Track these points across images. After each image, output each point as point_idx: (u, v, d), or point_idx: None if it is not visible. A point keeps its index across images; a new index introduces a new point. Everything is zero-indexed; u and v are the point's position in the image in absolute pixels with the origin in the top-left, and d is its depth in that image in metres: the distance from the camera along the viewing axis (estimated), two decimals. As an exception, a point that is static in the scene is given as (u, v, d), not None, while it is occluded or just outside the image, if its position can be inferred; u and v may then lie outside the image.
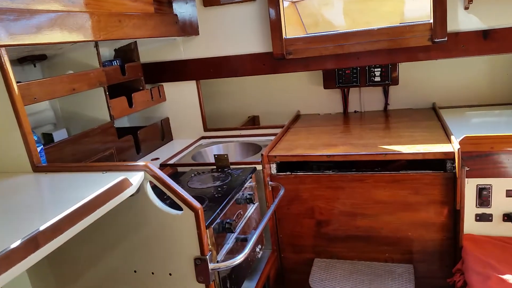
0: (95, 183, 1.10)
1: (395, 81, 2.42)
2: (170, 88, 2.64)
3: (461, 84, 2.43)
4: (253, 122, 2.88)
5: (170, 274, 1.27)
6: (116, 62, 2.29)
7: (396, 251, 1.91)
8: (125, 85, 2.36)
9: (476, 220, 1.70)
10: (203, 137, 2.63)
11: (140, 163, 1.19)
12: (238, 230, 1.67)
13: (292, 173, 1.96)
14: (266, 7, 2.32)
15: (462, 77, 2.43)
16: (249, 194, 1.79)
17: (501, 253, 1.60)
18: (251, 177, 1.88)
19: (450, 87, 2.45)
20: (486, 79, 2.40)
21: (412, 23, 2.16)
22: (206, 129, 2.66)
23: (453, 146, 1.72)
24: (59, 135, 1.99)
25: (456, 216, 1.75)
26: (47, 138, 1.97)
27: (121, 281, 1.34)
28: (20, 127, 1.28)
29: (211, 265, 1.22)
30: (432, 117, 2.28)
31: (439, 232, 1.81)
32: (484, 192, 1.66)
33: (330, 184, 1.91)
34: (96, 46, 2.02)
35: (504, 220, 1.67)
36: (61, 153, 1.77)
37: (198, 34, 2.51)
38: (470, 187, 1.67)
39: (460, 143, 1.63)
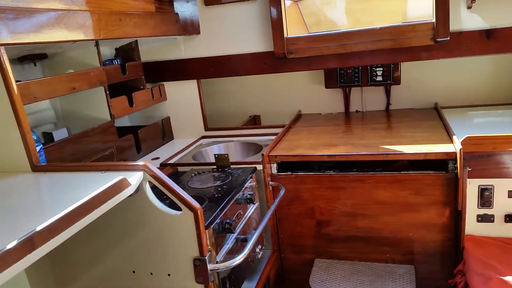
0: (94, 183, 1.09)
1: (397, 81, 2.40)
2: (171, 88, 2.64)
3: (464, 84, 2.42)
4: (254, 121, 2.87)
5: (168, 275, 1.27)
6: (117, 61, 2.29)
7: (397, 252, 1.90)
8: (125, 84, 2.36)
9: (478, 221, 1.69)
10: (203, 137, 2.63)
11: (139, 162, 1.19)
12: (238, 230, 1.66)
13: (293, 173, 1.95)
14: (267, 6, 2.31)
15: (464, 77, 2.41)
16: (249, 194, 1.79)
17: (502, 254, 1.59)
18: (251, 177, 1.87)
19: (452, 87, 2.44)
20: (488, 79, 2.38)
21: (414, 23, 2.14)
22: (206, 128, 2.66)
23: (455, 146, 1.71)
24: (59, 134, 1.99)
25: (457, 217, 1.74)
26: (47, 137, 1.96)
27: (120, 282, 1.34)
28: (19, 126, 1.28)
29: (210, 266, 1.22)
30: (434, 117, 2.27)
31: (440, 233, 1.80)
32: (486, 193, 1.65)
33: (331, 184, 1.90)
34: (97, 45, 2.03)
35: (506, 221, 1.66)
36: (61, 153, 1.77)
37: (199, 33, 2.50)
38: (472, 187, 1.66)
39: (462, 143, 1.62)
